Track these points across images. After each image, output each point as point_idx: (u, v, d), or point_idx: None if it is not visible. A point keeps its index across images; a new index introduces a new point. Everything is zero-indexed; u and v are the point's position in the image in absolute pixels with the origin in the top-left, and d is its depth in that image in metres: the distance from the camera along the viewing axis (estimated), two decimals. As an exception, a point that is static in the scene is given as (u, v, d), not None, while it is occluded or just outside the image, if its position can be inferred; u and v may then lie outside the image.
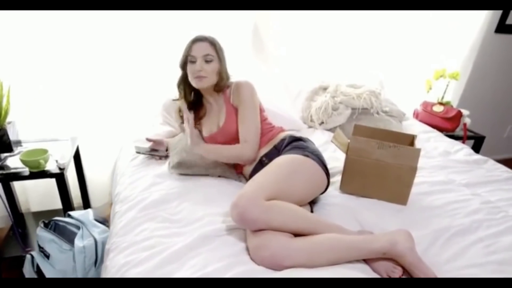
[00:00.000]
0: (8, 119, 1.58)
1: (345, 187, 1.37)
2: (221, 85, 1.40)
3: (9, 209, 1.57)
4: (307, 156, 1.26)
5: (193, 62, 1.35)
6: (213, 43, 1.36)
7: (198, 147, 1.40)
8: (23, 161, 1.42)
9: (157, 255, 0.98)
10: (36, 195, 1.95)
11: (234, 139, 1.41)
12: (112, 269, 0.96)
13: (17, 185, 1.89)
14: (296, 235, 1.05)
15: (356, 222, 1.21)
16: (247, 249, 1.03)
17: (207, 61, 1.34)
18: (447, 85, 2.33)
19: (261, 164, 1.36)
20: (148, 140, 1.56)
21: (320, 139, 1.82)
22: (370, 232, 1.15)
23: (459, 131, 2.29)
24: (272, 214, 1.02)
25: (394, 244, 1.00)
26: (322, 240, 1.01)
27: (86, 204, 2.00)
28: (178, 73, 1.48)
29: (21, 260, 1.50)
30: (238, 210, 1.01)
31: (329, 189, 1.35)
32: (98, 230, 1.43)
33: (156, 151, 1.55)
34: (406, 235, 1.04)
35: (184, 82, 1.45)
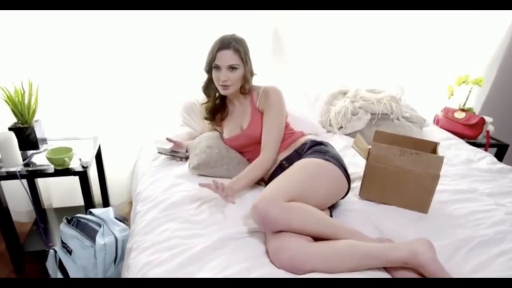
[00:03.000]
0: (35, 118, 1.64)
1: (364, 193, 1.36)
2: (246, 87, 1.42)
3: (33, 204, 1.61)
4: (328, 160, 1.26)
5: (218, 69, 1.36)
6: (237, 50, 1.34)
7: (236, 193, 1.29)
8: (49, 159, 1.46)
9: (178, 255, 0.99)
10: (58, 192, 2.01)
11: (255, 143, 1.43)
12: (135, 268, 0.98)
13: (40, 182, 1.95)
14: (316, 239, 1.05)
15: (375, 229, 1.20)
16: (267, 251, 1.04)
17: (232, 69, 1.35)
18: (470, 91, 2.28)
19: (281, 168, 1.37)
20: (169, 140, 1.59)
21: (339, 144, 1.82)
22: (389, 239, 1.14)
23: (481, 139, 2.24)
24: (292, 214, 1.03)
25: (415, 254, 0.98)
26: (341, 246, 1.01)
27: (106, 202, 2.04)
28: (198, 74, 1.50)
29: (44, 254, 1.55)
30: (259, 211, 1.02)
31: (349, 194, 1.35)
32: (118, 228, 1.46)
33: (177, 152, 1.57)
34: (427, 244, 1.02)
35: (209, 86, 1.48)
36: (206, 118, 1.61)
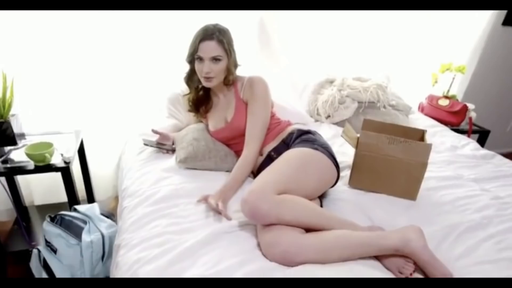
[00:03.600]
0: (11, 112, 1.56)
1: (354, 182, 1.37)
2: (230, 78, 1.38)
3: (13, 203, 1.55)
4: (317, 149, 1.25)
5: (201, 60, 1.32)
6: (220, 41, 1.29)
7: (229, 197, 1.24)
8: (28, 155, 1.40)
9: (168, 252, 0.97)
10: (40, 188, 1.94)
11: (241, 135, 1.40)
12: (124, 266, 0.95)
13: (20, 178, 1.87)
14: (307, 230, 1.05)
15: (365, 217, 1.21)
16: (259, 245, 1.03)
17: (215, 61, 1.31)
18: (453, 79, 2.31)
19: (269, 159, 1.35)
20: (154, 132, 1.54)
21: (327, 133, 1.81)
22: (380, 227, 1.14)
23: (464, 125, 2.28)
24: (283, 208, 1.02)
25: (407, 242, 0.99)
26: (333, 237, 1.01)
27: (90, 197, 1.98)
28: (183, 66, 1.45)
29: (27, 254, 1.49)
30: (249, 206, 1.01)
31: (338, 183, 1.35)
32: (105, 225, 1.42)
33: (163, 144, 1.53)
34: (418, 232, 1.03)
35: (191, 78, 1.43)
36: (189, 110, 1.56)
